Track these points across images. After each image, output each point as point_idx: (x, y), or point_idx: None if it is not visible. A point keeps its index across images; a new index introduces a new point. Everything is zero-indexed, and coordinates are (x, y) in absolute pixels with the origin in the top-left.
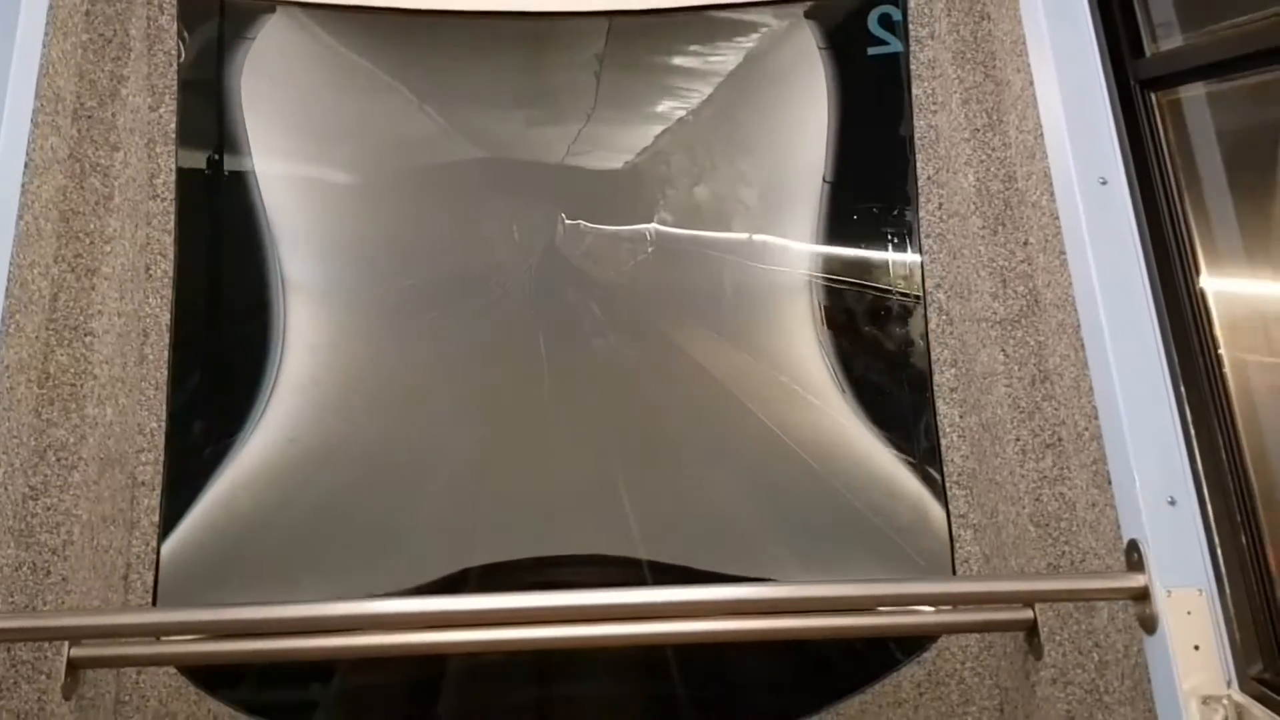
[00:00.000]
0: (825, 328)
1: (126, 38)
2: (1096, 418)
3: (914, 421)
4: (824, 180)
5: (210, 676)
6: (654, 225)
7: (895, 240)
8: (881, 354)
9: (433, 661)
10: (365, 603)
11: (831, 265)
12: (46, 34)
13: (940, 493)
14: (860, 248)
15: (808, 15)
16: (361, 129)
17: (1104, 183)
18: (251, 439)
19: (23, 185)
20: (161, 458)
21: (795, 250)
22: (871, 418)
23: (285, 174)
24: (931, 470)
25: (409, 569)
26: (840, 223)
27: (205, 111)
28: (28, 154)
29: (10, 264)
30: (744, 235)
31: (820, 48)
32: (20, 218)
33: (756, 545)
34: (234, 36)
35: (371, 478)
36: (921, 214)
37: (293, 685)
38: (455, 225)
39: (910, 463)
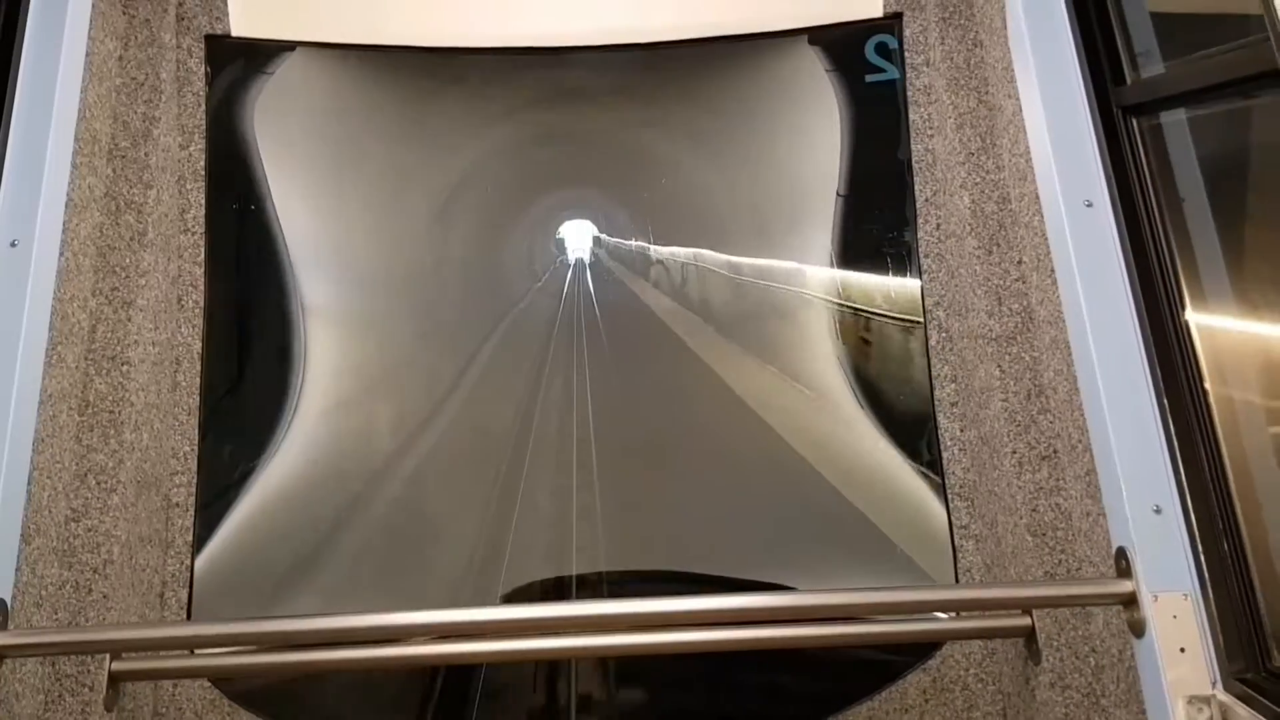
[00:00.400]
0: (841, 343)
1: (158, 80)
2: (1088, 430)
3: (919, 435)
4: (838, 194)
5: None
6: (681, 248)
7: (895, 258)
8: (894, 369)
9: (454, 673)
10: (392, 615)
11: (846, 281)
12: (84, 80)
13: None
14: (869, 265)
15: (811, 42)
16: (380, 160)
17: (1089, 205)
18: (274, 461)
19: (64, 224)
20: (194, 480)
21: (812, 266)
22: (888, 431)
23: (304, 205)
24: (935, 481)
25: (433, 590)
26: (853, 239)
27: (231, 148)
28: (68, 194)
29: (53, 299)
30: (765, 251)
31: (827, 70)
32: (61, 255)
33: (775, 554)
34: (256, 74)
35: (391, 499)
36: (920, 234)
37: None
38: (476, 253)
39: (923, 475)
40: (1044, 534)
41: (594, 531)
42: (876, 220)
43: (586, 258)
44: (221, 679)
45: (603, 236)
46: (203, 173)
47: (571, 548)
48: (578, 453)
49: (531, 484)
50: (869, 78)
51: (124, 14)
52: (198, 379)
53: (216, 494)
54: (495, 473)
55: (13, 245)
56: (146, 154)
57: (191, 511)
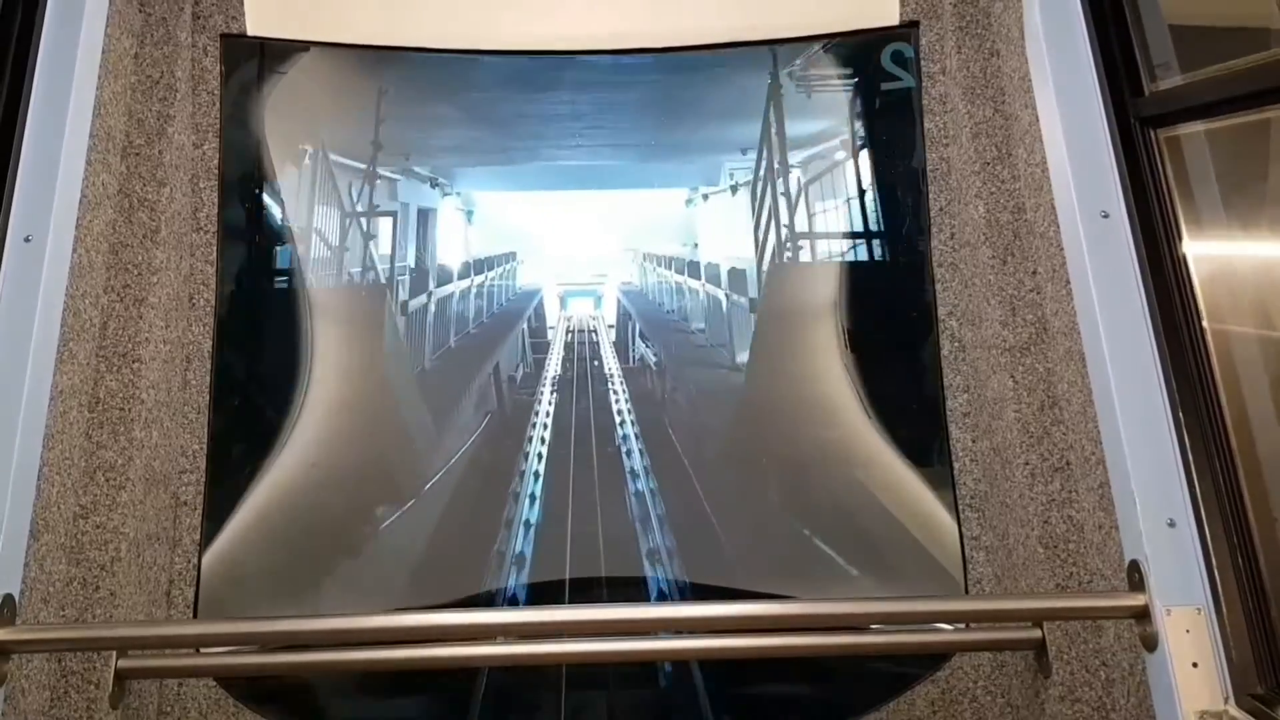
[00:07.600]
0: (849, 351)
1: (173, 79)
2: (1102, 442)
3: (930, 445)
4: (847, 199)
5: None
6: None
7: (909, 267)
8: (901, 379)
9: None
10: (400, 616)
11: (856, 289)
12: (100, 77)
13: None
14: (880, 274)
15: (825, 50)
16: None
17: (1106, 216)
18: (282, 460)
19: (77, 220)
20: (203, 478)
21: (821, 273)
22: (894, 440)
23: (315, 205)
24: (946, 493)
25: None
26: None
27: (245, 147)
28: (82, 190)
29: (65, 295)
30: (779, 257)
31: (842, 79)
32: (74, 251)
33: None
34: (270, 73)
35: (398, 497)
36: (934, 244)
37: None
38: (489, 252)
39: (930, 485)
40: (1056, 546)
41: (601, 540)
42: (890, 229)
43: (599, 262)
44: (226, 678)
45: (612, 240)
46: (216, 171)
47: (577, 558)
48: (582, 463)
49: (547, 480)
50: (884, 85)
51: (140, 12)
52: (208, 377)
53: (225, 492)
54: (508, 468)
55: (26, 240)
56: (160, 152)
57: (199, 510)
